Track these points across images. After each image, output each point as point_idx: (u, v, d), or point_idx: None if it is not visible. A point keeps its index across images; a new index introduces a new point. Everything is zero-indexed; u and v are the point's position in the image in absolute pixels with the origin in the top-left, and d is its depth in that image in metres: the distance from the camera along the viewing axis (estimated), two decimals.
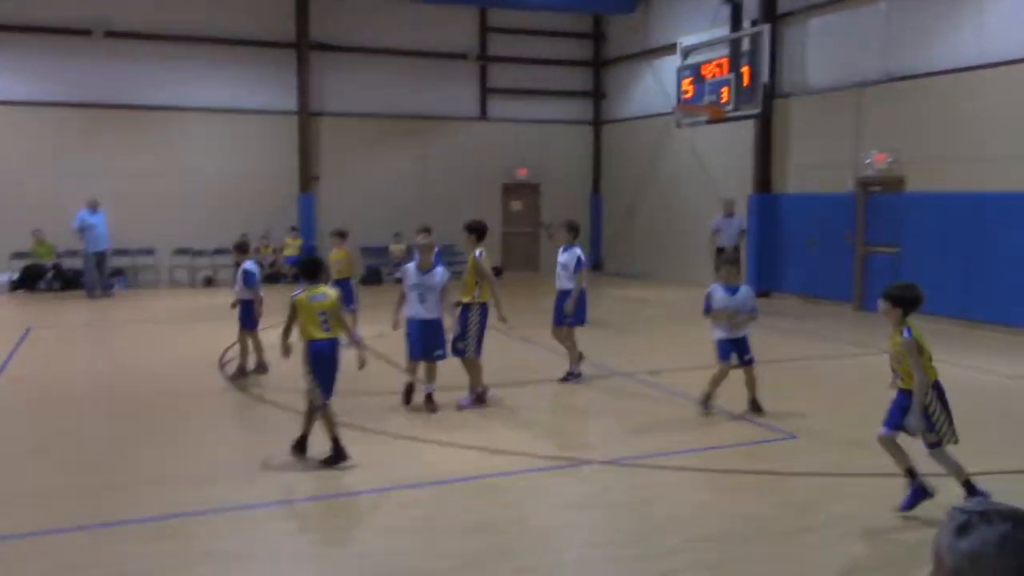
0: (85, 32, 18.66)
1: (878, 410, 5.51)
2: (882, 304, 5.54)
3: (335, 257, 12.14)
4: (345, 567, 4.91)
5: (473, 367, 8.43)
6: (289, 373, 10.01)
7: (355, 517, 5.65)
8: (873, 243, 15.25)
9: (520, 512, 5.76)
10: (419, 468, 6.63)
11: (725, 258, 8.53)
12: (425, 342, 8.22)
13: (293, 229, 20.22)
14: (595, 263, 23.54)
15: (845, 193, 15.49)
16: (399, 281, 9.09)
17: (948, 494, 5.33)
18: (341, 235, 12.26)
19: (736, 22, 16.68)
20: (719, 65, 15.74)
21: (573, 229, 9.90)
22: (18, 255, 18.34)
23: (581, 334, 9.86)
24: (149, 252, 19.31)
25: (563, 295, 9.59)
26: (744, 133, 17.37)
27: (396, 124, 21.39)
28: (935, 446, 5.45)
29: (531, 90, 22.69)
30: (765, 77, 14.93)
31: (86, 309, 16.15)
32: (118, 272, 18.61)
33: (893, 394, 5.60)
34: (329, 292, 6.87)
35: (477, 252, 8.47)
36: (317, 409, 6.64)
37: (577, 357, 9.56)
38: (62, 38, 18.61)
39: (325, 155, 20.94)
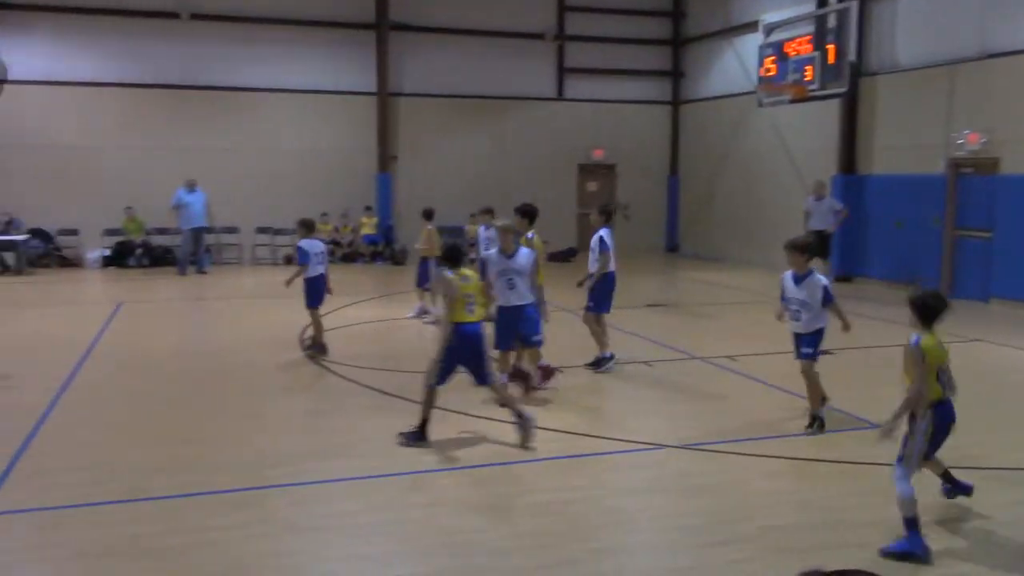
0: (173, 15, 19.18)
1: (964, 400, 5.32)
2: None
3: (424, 235, 12.38)
4: (420, 543, 4.99)
5: (532, 351, 8.38)
6: (371, 352, 10.23)
7: (430, 494, 5.73)
8: (964, 227, 14.69)
9: (593, 494, 5.76)
10: (494, 448, 6.69)
11: (787, 243, 7.14)
12: (521, 329, 8.04)
13: (368, 208, 20.51)
14: (672, 246, 23.29)
15: (935, 175, 14.93)
16: (474, 262, 9.14)
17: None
18: (428, 215, 12.48)
19: None
20: (803, 43, 15.31)
21: (604, 213, 9.41)
22: (110, 232, 19.06)
23: (656, 316, 9.76)
24: (233, 230, 19.83)
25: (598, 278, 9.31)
26: (829, 112, 16.89)
27: (473, 104, 21.44)
28: (899, 460, 4.97)
29: (608, 70, 22.46)
30: (852, 55, 14.47)
31: (175, 285, 16.70)
32: (205, 250, 19.16)
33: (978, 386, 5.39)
34: (471, 275, 6.97)
35: (530, 234, 8.43)
36: (428, 388, 6.75)
37: (605, 343, 9.32)
38: (151, 21, 19.17)
39: (403, 135, 21.14)
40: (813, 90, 14.99)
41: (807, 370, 7.09)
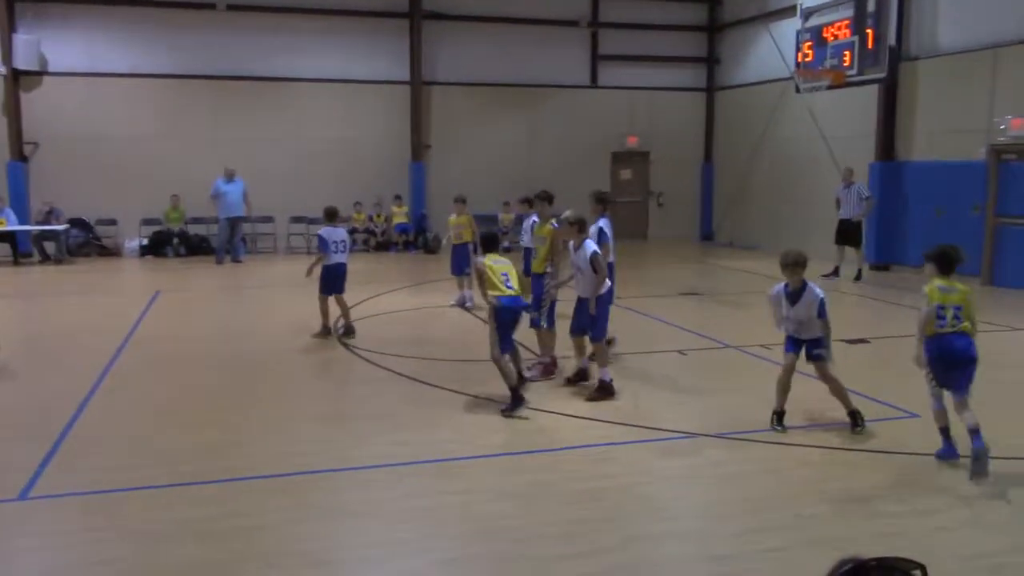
0: (209, 6, 19.35)
1: (1003, 390, 5.23)
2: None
3: (454, 222, 12.41)
4: (454, 529, 5.02)
5: (545, 337, 8.39)
6: (406, 340, 10.30)
7: (465, 481, 5.76)
8: (1005, 215, 14.40)
9: (629, 482, 5.76)
10: (529, 436, 6.71)
11: (788, 260, 6.73)
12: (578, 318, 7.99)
13: (397, 198, 20.57)
14: (706, 234, 23.12)
15: (976, 161, 14.66)
16: (507, 250, 9.18)
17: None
18: (462, 201, 12.50)
19: None
20: (841, 27, 15.09)
21: (601, 201, 8.82)
22: (147, 221, 19.33)
23: (690, 305, 9.71)
24: (268, 220, 20.02)
25: None
26: (867, 98, 16.62)
27: (506, 92, 21.41)
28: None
29: (643, 56, 22.29)
30: (892, 39, 14.24)
31: (212, 274, 16.91)
32: (241, 239, 19.36)
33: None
34: (503, 259, 7.63)
35: (553, 222, 8.40)
36: (495, 361, 7.33)
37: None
38: (188, 12, 19.36)
39: (436, 124, 21.17)
40: (852, 75, 14.79)
41: (824, 372, 6.72)
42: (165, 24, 19.30)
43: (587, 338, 7.99)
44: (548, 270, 8.53)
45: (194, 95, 19.59)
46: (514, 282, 7.47)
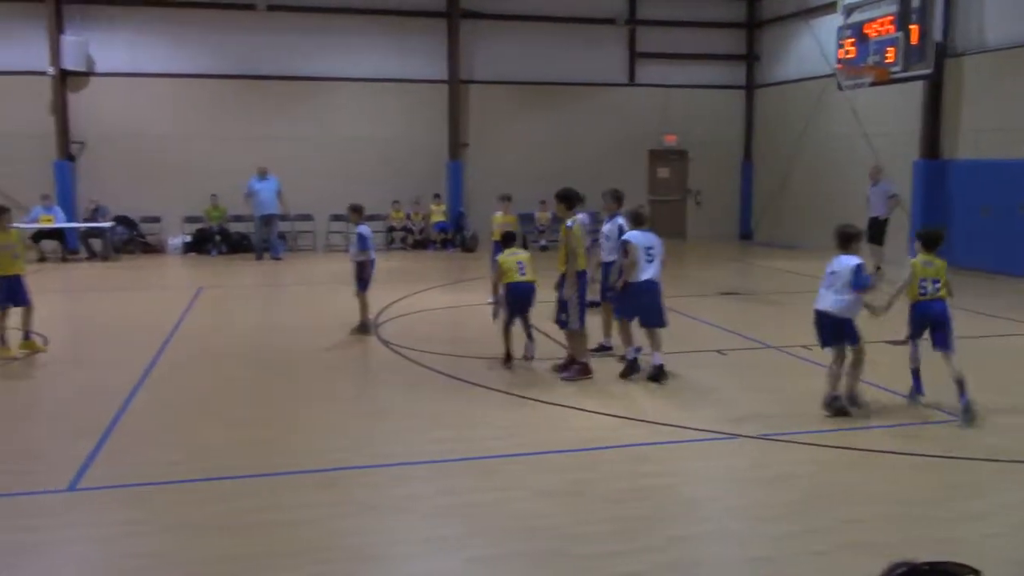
0: (250, 6, 19.58)
1: None
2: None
3: (500, 220, 12.49)
4: (493, 527, 5.03)
5: (576, 338, 8.35)
6: (444, 338, 10.34)
7: (506, 479, 5.76)
8: None
9: (670, 482, 5.72)
10: (570, 434, 6.70)
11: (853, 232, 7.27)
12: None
13: (436, 196, 20.65)
14: (745, 233, 22.92)
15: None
16: (544, 249, 9.23)
17: None
18: (508, 199, 12.60)
19: None
20: (884, 23, 14.86)
21: (618, 198, 9.19)
22: (190, 219, 19.63)
23: (729, 304, 9.63)
24: (308, 218, 20.21)
25: (607, 267, 9.13)
26: (911, 95, 16.36)
27: (543, 91, 21.40)
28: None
29: (681, 54, 22.15)
30: (937, 35, 13.98)
31: (252, 271, 17.12)
32: (280, 237, 19.58)
33: None
34: (520, 251, 8.86)
35: (569, 222, 8.31)
36: (502, 330, 8.72)
37: (610, 330, 9.18)
38: (229, 12, 19.62)
39: (473, 123, 21.22)
40: (895, 72, 14.55)
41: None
42: (207, 25, 19.57)
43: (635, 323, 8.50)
44: (585, 270, 8.48)
45: (235, 94, 19.84)
46: (528, 270, 8.57)
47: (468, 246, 19.98)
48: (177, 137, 19.54)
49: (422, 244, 20.60)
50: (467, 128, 21.21)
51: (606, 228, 9.15)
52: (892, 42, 14.59)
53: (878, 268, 15.16)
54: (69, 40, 18.65)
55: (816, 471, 5.94)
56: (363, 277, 10.30)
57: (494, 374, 8.44)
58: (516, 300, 8.63)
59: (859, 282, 6.87)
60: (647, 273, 8.17)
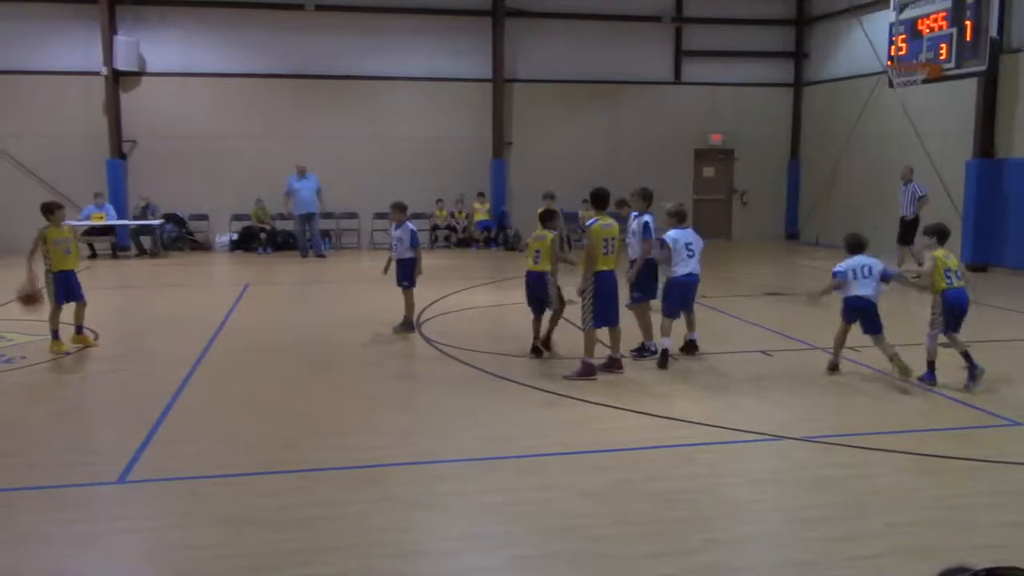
0: (298, 6, 19.81)
1: None
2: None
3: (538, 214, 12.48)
4: (533, 525, 5.03)
5: (586, 337, 8.27)
6: (486, 336, 10.37)
7: (544, 477, 5.76)
8: None
9: (710, 483, 5.67)
10: (612, 434, 6.68)
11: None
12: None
13: (480, 195, 20.70)
14: (792, 232, 22.61)
15: None
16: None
17: None
18: (551, 196, 12.63)
19: None
20: (938, 19, 14.53)
21: (647, 197, 9.11)
22: (237, 217, 19.92)
23: (775, 305, 9.51)
24: (353, 216, 20.40)
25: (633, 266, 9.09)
26: (965, 93, 16.00)
27: (588, 89, 21.31)
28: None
29: (728, 51, 21.90)
30: (993, 30, 13.64)
31: (296, 268, 17.33)
32: (324, 234, 19.79)
33: None
34: (547, 234, 8.83)
35: (588, 221, 8.27)
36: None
37: (649, 332, 9.07)
38: (278, 12, 19.86)
39: (517, 121, 21.22)
40: (949, 69, 14.22)
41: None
42: (255, 25, 19.84)
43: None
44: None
45: (282, 94, 20.08)
46: (543, 259, 8.73)
47: (511, 245, 19.99)
48: (225, 136, 19.84)
49: (465, 242, 20.66)
50: (511, 127, 21.21)
51: (633, 226, 9.08)
52: (945, 38, 14.25)
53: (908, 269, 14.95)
54: (121, 40, 19.04)
55: (861, 474, 5.84)
56: (411, 274, 10.37)
57: (537, 373, 8.44)
58: (528, 287, 8.91)
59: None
60: (688, 266, 8.77)
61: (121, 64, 19.07)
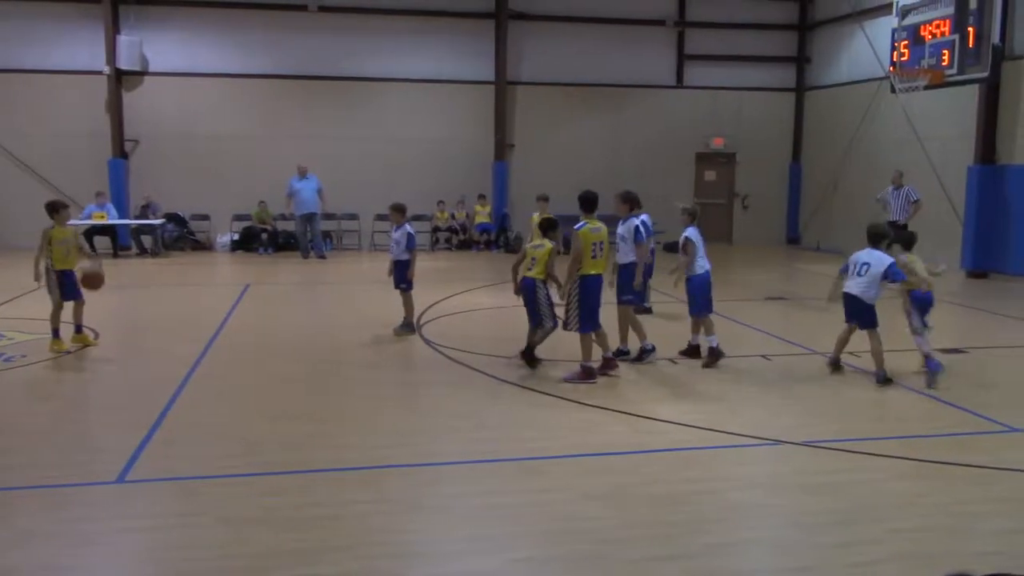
0: (301, 7, 19.82)
1: None
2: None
3: (537, 220, 12.41)
4: (535, 528, 5.02)
5: (582, 341, 8.26)
6: (487, 338, 10.36)
7: (546, 480, 5.75)
8: None
9: (712, 487, 5.66)
10: (613, 437, 6.67)
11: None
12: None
13: (481, 197, 20.70)
14: (792, 237, 22.62)
15: None
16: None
17: None
18: (545, 199, 12.59)
19: None
20: (940, 25, 14.56)
21: (628, 200, 9.11)
22: (238, 217, 19.92)
23: (775, 309, 9.50)
24: (353, 217, 20.39)
25: (623, 269, 9.04)
26: (967, 99, 16.01)
27: (590, 92, 21.33)
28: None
29: (731, 56, 21.93)
30: (995, 37, 13.66)
31: (298, 269, 17.32)
32: (325, 236, 19.78)
33: None
34: (545, 243, 8.48)
35: (576, 225, 8.24)
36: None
37: (643, 333, 9.02)
38: (280, 13, 19.88)
39: (519, 124, 21.23)
40: (951, 75, 14.24)
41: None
42: (258, 25, 19.85)
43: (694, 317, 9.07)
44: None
45: (284, 94, 20.10)
46: (537, 265, 8.37)
47: (511, 247, 19.99)
48: (227, 136, 19.85)
49: (466, 244, 20.66)
50: (513, 129, 21.22)
51: (620, 229, 9.00)
52: (948, 44, 14.29)
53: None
54: (124, 40, 19.05)
55: (862, 479, 5.83)
56: (408, 276, 10.37)
57: (538, 376, 8.43)
58: (523, 295, 8.53)
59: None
60: (706, 263, 9.04)
61: (124, 64, 19.08)
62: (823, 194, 21.39)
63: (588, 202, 8.43)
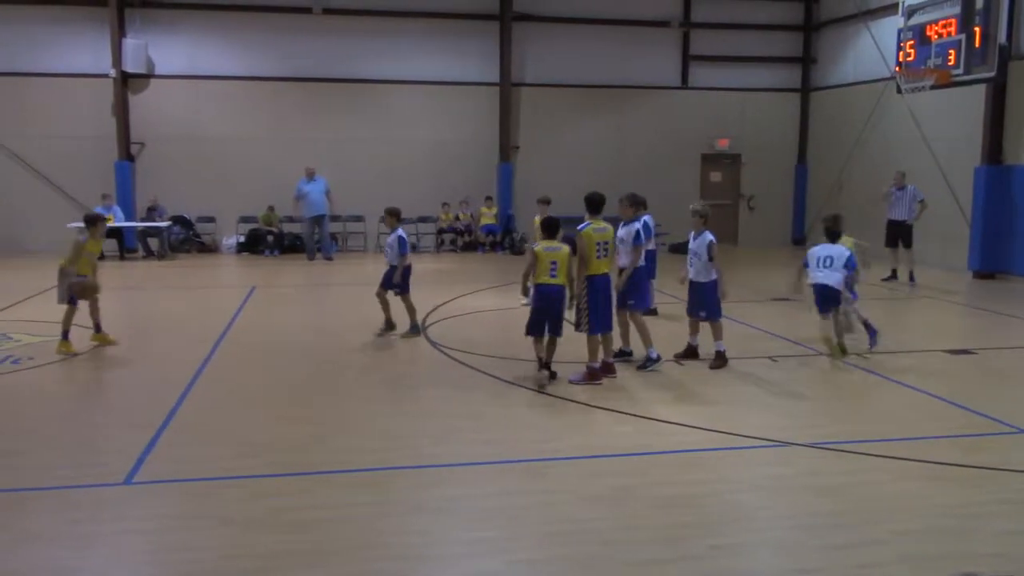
0: (306, 10, 19.86)
1: None
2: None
3: (539, 223, 12.40)
4: (538, 530, 5.02)
5: (588, 343, 8.25)
6: (491, 340, 10.36)
7: (550, 482, 5.75)
8: None
9: (716, 489, 5.65)
10: (617, 439, 6.66)
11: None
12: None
13: (488, 199, 20.71)
14: (798, 237, 22.57)
15: None
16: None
17: None
18: (546, 202, 12.57)
19: None
20: (947, 25, 14.53)
21: (636, 203, 9.09)
22: (244, 219, 19.96)
23: (781, 311, 9.48)
24: (359, 219, 20.42)
25: (623, 274, 8.98)
26: (973, 99, 15.95)
27: (595, 94, 21.32)
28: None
29: (736, 57, 21.89)
30: (1002, 37, 13.62)
31: (304, 271, 17.34)
32: (332, 237, 19.80)
33: None
34: (562, 246, 8.12)
35: (581, 225, 8.25)
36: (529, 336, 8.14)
37: (649, 340, 8.85)
38: (285, 16, 19.90)
39: (524, 125, 21.23)
40: (957, 75, 14.21)
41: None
42: (263, 28, 19.88)
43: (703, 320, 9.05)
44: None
45: (289, 97, 20.13)
46: (560, 272, 7.99)
47: (517, 249, 19.99)
48: (233, 138, 19.90)
49: (471, 246, 20.67)
50: (518, 131, 21.23)
51: (621, 232, 8.91)
52: (954, 44, 14.26)
53: (894, 272, 15.08)
54: (130, 43, 19.10)
55: (868, 481, 5.81)
56: (404, 280, 10.37)
57: (540, 376, 8.42)
58: (542, 304, 8.03)
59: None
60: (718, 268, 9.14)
61: (130, 66, 19.13)
62: (829, 195, 21.33)
63: (593, 203, 8.43)
